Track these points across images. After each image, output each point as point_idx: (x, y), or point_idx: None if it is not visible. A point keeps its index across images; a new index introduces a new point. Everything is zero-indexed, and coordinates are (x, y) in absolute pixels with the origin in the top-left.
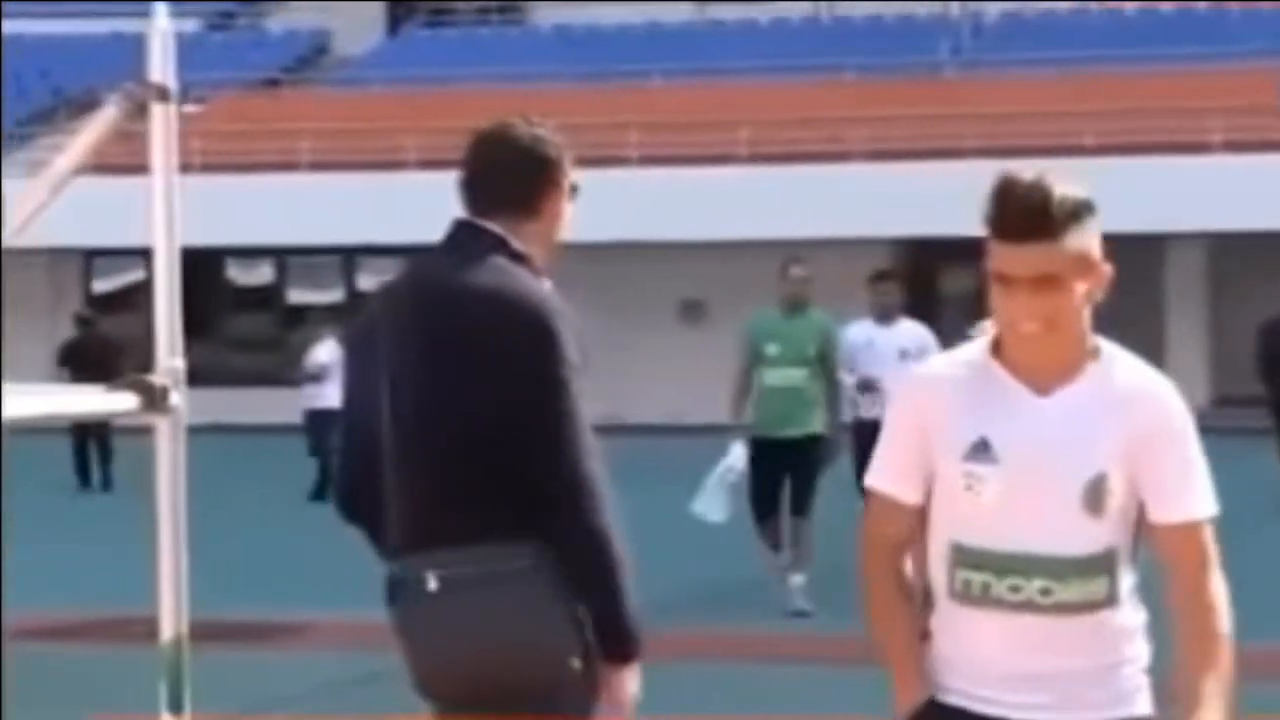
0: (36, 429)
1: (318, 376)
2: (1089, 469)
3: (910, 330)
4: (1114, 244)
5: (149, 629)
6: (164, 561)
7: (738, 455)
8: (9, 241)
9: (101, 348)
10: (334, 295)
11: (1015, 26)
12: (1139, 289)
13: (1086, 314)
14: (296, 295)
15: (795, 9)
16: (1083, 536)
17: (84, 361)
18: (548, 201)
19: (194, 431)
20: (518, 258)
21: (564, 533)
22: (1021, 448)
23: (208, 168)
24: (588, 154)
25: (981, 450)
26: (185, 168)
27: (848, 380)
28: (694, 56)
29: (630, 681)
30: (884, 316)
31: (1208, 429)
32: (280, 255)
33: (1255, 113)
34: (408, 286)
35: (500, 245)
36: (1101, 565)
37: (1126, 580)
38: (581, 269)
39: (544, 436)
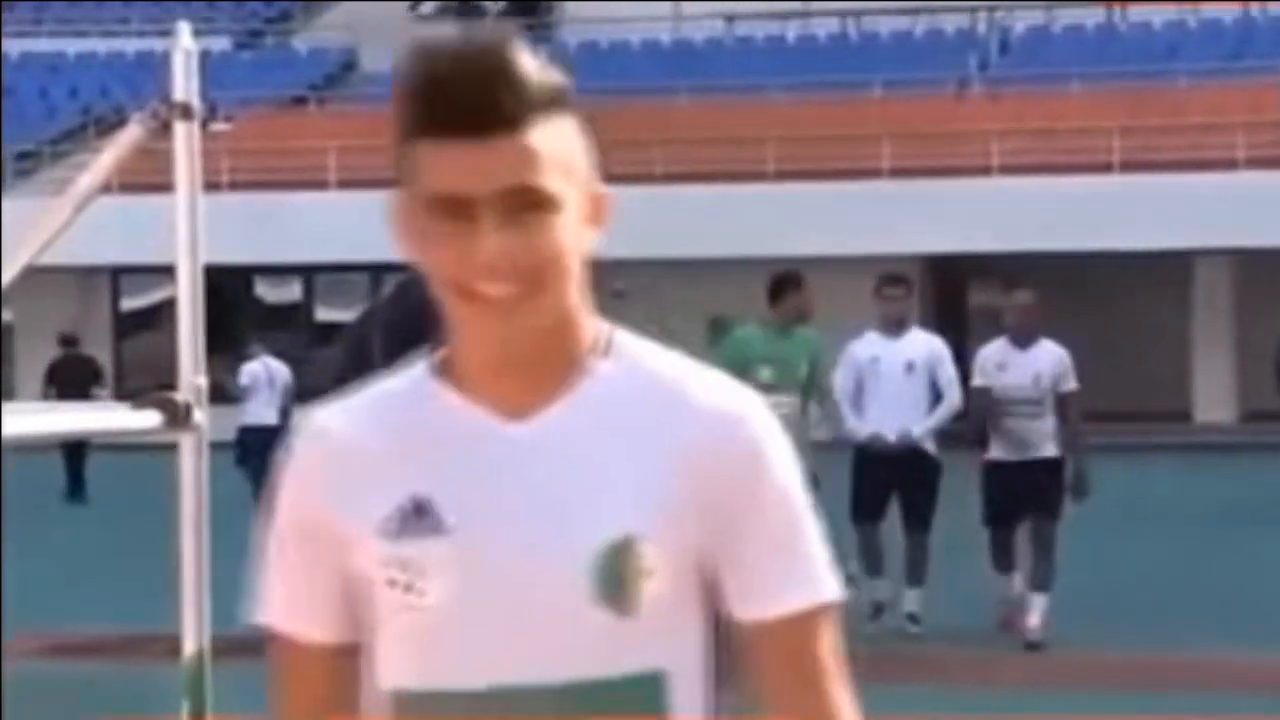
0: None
1: (242, 396)
2: (602, 534)
3: (920, 341)
4: (1142, 260)
5: (168, 645)
6: (186, 576)
7: None
8: (35, 259)
9: (79, 367)
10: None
11: (1042, 41)
12: (1166, 305)
13: (581, 280)
14: (325, 313)
15: (822, 25)
16: (600, 650)
17: (65, 380)
18: None
19: (219, 448)
20: None
21: None
22: (482, 509)
23: (236, 185)
24: (613, 171)
25: (415, 520)
26: (214, 186)
27: (843, 403)
28: (721, 73)
29: None
30: (892, 326)
31: (1235, 445)
32: (309, 273)
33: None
34: (400, 304)
35: None
36: (638, 697)
37: None
38: (605, 285)
39: None
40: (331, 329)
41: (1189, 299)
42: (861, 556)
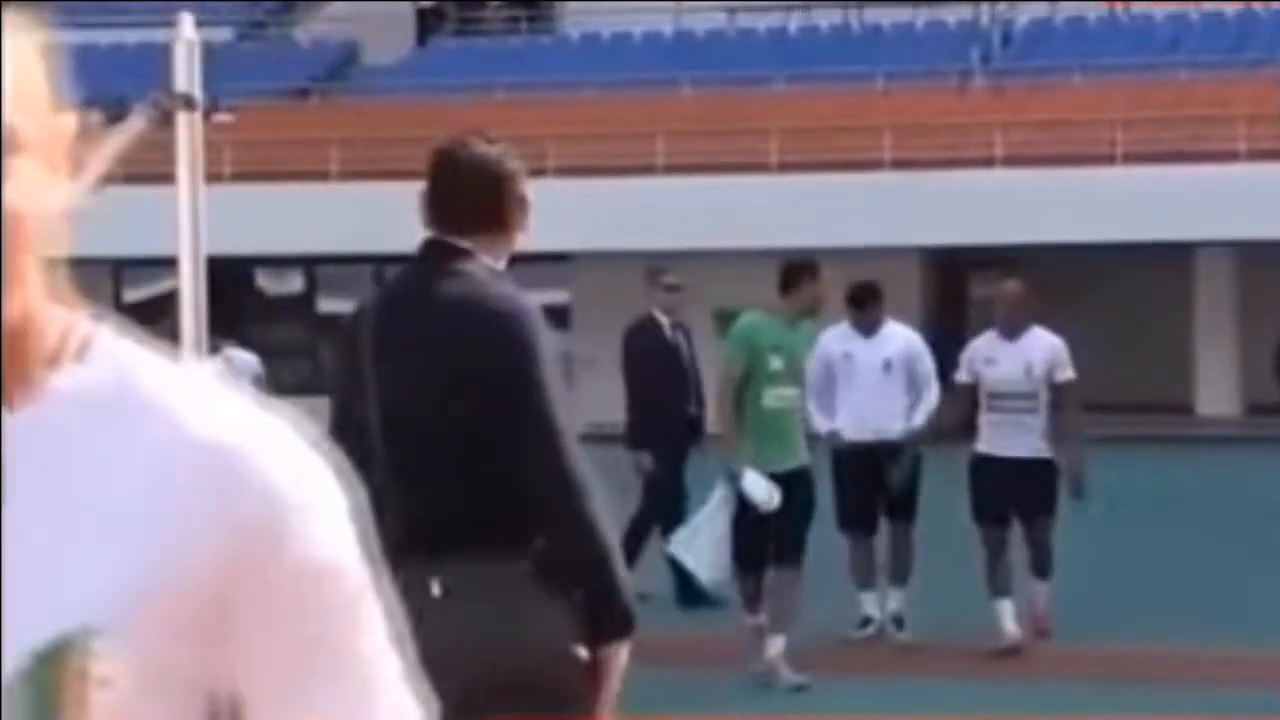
0: None
1: None
2: (45, 628)
3: (898, 337)
4: (1144, 252)
5: None
6: None
7: (759, 487)
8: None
9: None
10: None
11: (1044, 34)
12: (1168, 297)
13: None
14: (327, 304)
15: (824, 16)
16: None
17: None
18: (515, 216)
19: None
20: (490, 269)
21: (554, 527)
22: None
23: (238, 177)
24: (617, 162)
25: None
26: (216, 177)
27: (809, 398)
28: (723, 65)
29: (623, 654)
30: (865, 325)
31: (1238, 438)
32: (310, 264)
33: None
34: (386, 305)
35: (472, 259)
36: None
37: None
38: (609, 278)
39: (529, 437)
40: (334, 320)
41: (1191, 291)
42: (850, 567)
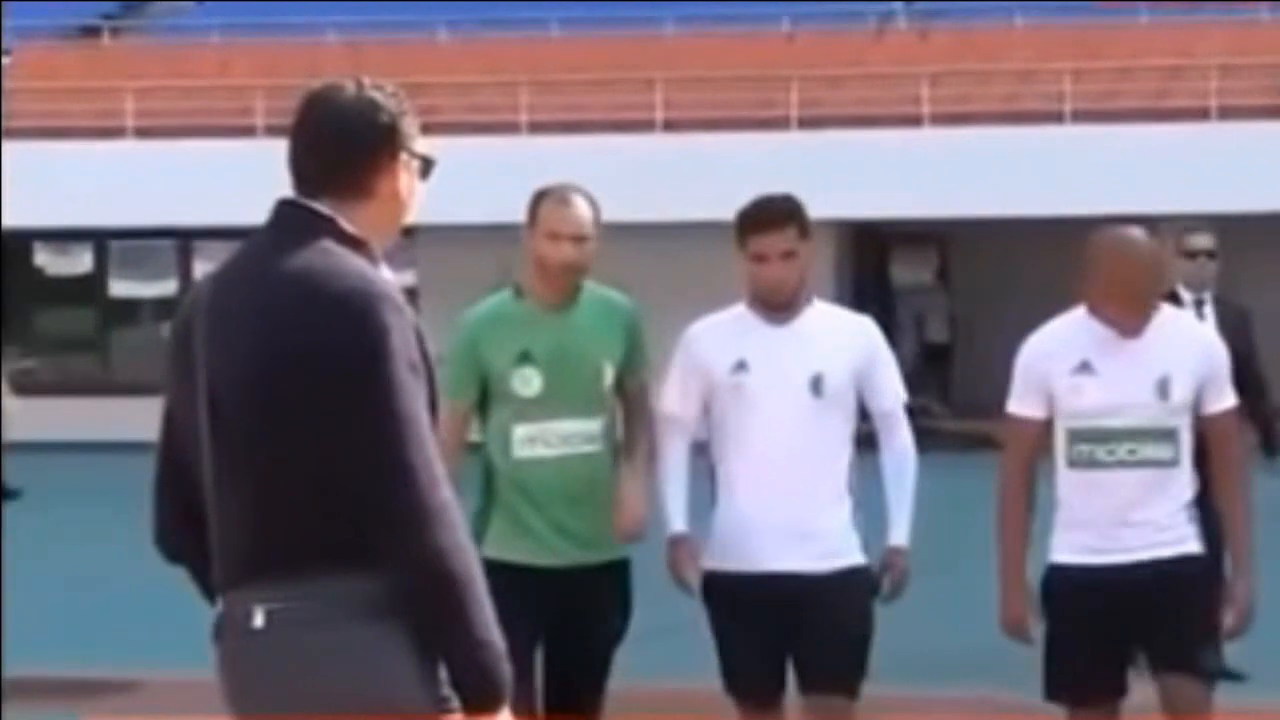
0: None
1: None
2: None
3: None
4: (1098, 226)
5: None
6: None
7: None
8: None
9: None
10: (167, 287)
11: None
12: None
13: None
14: (121, 287)
15: None
16: None
17: None
18: (384, 179)
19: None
20: (350, 241)
21: (402, 557)
22: None
23: (12, 133)
24: (472, 118)
25: None
26: None
27: None
28: (599, 3)
29: None
30: None
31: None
32: (101, 239)
33: (1263, 72)
34: (219, 281)
35: (328, 227)
36: None
37: None
38: (458, 255)
39: (377, 447)
40: (130, 306)
41: None
42: None
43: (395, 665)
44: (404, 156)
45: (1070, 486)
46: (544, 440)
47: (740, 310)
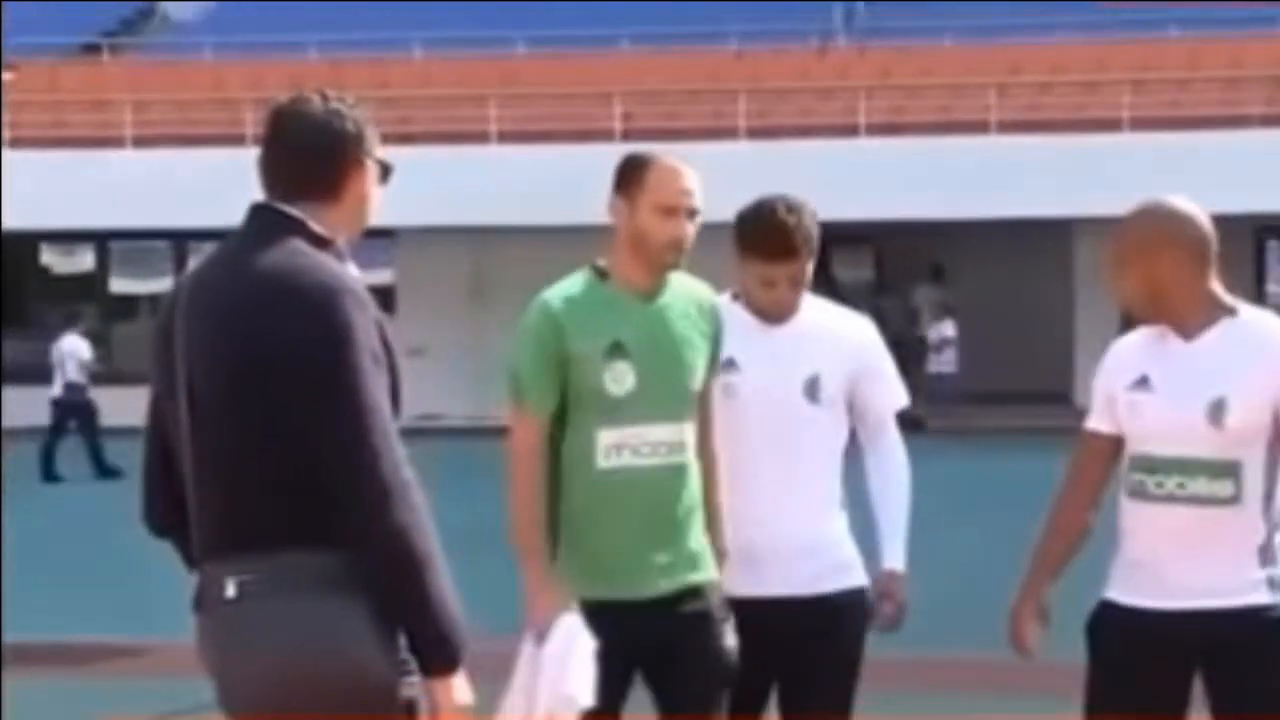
0: None
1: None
2: None
3: None
4: (1023, 229)
5: None
6: None
7: None
8: None
9: None
10: (163, 284)
11: None
12: (1048, 279)
13: None
14: (121, 284)
15: None
16: None
17: None
18: (350, 183)
19: (10, 435)
20: (318, 240)
21: (366, 535)
22: None
23: (20, 143)
24: (444, 129)
25: None
26: None
27: None
28: (561, 23)
29: (457, 693)
30: None
31: None
32: (102, 240)
33: (1178, 86)
34: (198, 278)
35: (298, 228)
36: None
37: None
38: (435, 256)
39: (342, 431)
40: (129, 302)
41: (1071, 272)
42: None
43: (357, 633)
44: (368, 162)
45: (1126, 518)
46: (632, 448)
47: (726, 301)
